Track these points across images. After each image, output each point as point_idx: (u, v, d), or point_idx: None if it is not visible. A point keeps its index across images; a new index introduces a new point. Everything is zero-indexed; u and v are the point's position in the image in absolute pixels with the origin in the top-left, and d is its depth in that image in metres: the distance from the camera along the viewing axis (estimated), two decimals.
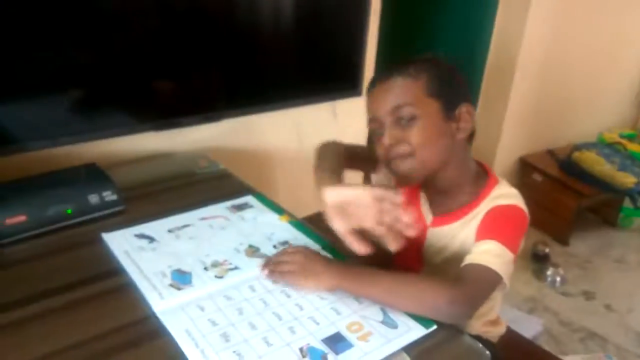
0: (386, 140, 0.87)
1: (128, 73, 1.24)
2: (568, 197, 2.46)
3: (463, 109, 0.88)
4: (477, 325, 1.00)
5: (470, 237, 0.88)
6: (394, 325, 0.74)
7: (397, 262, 1.08)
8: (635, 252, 2.51)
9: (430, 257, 0.97)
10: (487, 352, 0.73)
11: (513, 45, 2.32)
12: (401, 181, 0.94)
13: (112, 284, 0.83)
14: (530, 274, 2.28)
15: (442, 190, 0.94)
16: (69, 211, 0.99)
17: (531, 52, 2.35)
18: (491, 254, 0.80)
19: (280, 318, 0.75)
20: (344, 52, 1.66)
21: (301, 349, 0.69)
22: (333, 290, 0.80)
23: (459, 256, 0.86)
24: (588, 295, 2.18)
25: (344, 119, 1.76)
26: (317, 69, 1.61)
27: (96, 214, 1.02)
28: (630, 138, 2.80)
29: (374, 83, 0.91)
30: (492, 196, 0.90)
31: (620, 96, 3.09)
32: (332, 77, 1.66)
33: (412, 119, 0.85)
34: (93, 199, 1.02)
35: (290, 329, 0.73)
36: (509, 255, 0.82)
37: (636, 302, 2.14)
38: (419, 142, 0.86)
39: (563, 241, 2.52)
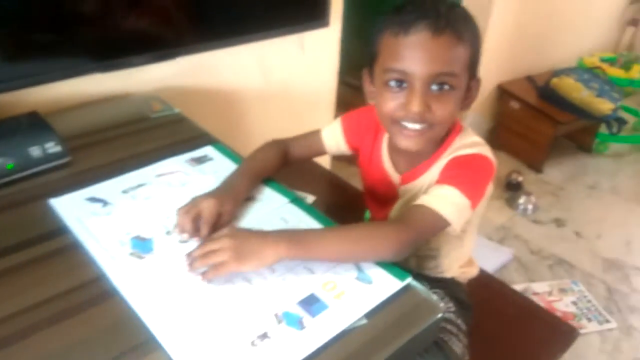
0: (416, 106, 0.76)
1: (67, 6, 1.13)
2: (544, 125, 2.44)
3: (476, 82, 0.84)
4: (454, 269, 1.02)
5: (432, 184, 0.85)
6: (368, 281, 0.72)
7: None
8: (608, 178, 2.54)
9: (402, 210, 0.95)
10: (441, 304, 0.73)
11: None
12: (398, 149, 0.87)
13: (57, 245, 0.79)
14: (502, 202, 2.30)
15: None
16: (10, 166, 0.93)
17: None
18: (446, 200, 0.78)
19: (250, 282, 0.71)
20: None
21: (276, 315, 0.66)
22: (281, 260, 0.70)
23: None
24: (559, 223, 2.22)
25: (312, 53, 1.67)
26: None
27: (39, 168, 0.96)
28: (611, 62, 2.75)
29: (414, 25, 0.74)
30: (456, 145, 0.87)
31: (603, 18, 2.99)
32: (296, 7, 1.55)
33: (449, 89, 0.77)
34: (35, 151, 0.95)
35: (262, 294, 0.69)
36: (465, 202, 0.79)
37: (605, 228, 2.19)
38: (445, 117, 0.79)
39: (537, 168, 2.53)
